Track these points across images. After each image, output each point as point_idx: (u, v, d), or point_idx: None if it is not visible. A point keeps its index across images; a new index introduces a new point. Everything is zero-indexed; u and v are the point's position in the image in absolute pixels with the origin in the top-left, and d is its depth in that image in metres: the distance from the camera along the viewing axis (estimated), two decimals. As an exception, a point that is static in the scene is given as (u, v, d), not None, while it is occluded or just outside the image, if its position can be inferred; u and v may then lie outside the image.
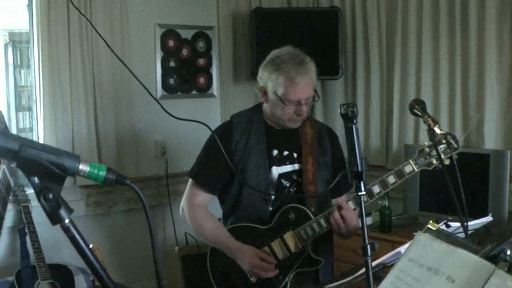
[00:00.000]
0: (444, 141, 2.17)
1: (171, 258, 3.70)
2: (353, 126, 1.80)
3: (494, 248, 0.84)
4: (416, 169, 2.27)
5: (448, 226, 1.96)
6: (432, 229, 0.96)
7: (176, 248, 2.95)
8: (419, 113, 2.05)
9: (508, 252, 0.82)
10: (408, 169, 2.27)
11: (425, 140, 2.26)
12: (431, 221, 0.95)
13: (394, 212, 3.60)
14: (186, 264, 2.79)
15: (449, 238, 0.93)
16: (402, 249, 1.88)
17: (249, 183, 2.36)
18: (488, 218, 2.24)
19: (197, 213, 2.47)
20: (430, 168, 2.27)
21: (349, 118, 1.82)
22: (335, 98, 4.26)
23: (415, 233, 2.73)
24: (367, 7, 3.99)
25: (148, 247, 3.96)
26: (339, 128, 4.14)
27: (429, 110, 2.43)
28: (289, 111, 2.34)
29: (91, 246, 2.55)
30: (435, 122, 2.01)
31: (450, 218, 2.07)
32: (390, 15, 3.91)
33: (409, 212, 3.64)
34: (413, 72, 3.77)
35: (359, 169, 1.76)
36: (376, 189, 2.29)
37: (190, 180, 2.52)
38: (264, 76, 2.35)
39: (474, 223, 2.18)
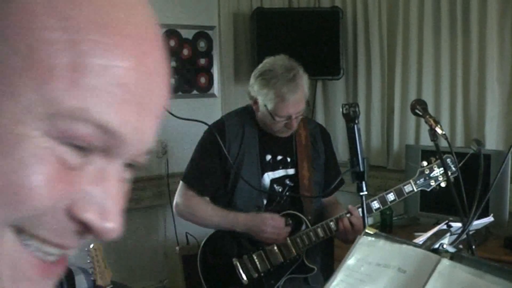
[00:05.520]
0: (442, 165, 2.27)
1: (172, 258, 3.70)
2: (355, 126, 1.81)
3: (434, 243, 0.94)
4: (415, 189, 2.33)
5: (449, 226, 1.96)
6: (370, 233, 1.03)
7: (177, 248, 2.94)
8: (421, 113, 2.05)
9: (445, 246, 0.93)
10: (408, 188, 2.33)
11: (425, 161, 2.33)
12: (367, 227, 1.02)
13: (395, 213, 3.60)
14: (186, 264, 2.79)
15: (388, 238, 1.00)
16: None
17: (241, 191, 2.35)
18: (489, 219, 2.24)
19: (194, 203, 2.42)
20: (428, 190, 2.33)
21: (351, 118, 1.82)
22: (336, 98, 4.25)
23: (416, 233, 2.74)
24: (368, 7, 3.98)
25: (148, 247, 3.98)
26: (340, 128, 4.15)
27: (430, 110, 2.42)
28: (279, 124, 2.33)
29: (91, 245, 2.54)
30: (437, 123, 2.00)
31: (451, 218, 2.07)
32: (391, 15, 3.91)
33: (410, 212, 3.63)
34: (414, 72, 3.77)
35: (361, 169, 1.76)
36: (375, 205, 2.32)
37: (181, 182, 2.47)
38: (255, 88, 2.33)
39: (475, 224, 2.17)
